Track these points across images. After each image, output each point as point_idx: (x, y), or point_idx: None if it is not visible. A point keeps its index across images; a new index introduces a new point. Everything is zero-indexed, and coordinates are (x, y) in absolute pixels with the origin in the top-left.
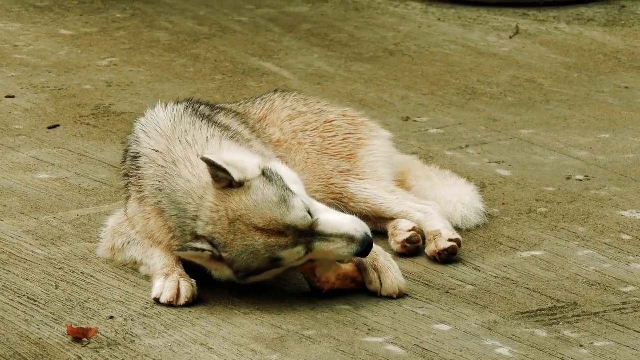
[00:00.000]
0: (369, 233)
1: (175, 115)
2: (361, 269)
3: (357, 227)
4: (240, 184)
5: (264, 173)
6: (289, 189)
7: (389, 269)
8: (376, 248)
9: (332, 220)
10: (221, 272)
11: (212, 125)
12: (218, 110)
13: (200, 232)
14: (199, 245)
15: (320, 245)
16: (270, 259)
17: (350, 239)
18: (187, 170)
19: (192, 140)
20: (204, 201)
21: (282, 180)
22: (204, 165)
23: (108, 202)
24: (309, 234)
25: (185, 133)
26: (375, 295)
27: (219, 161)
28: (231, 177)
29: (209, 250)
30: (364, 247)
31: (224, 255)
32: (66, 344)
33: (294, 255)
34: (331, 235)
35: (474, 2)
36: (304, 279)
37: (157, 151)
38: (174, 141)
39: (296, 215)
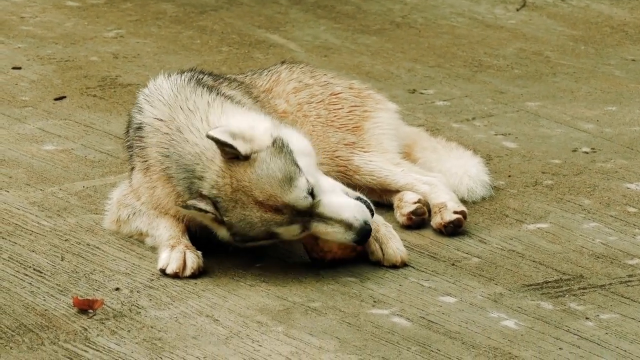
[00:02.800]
0: (369, 221)
1: (178, 84)
2: None
3: (357, 214)
4: (246, 157)
5: (274, 143)
6: (296, 164)
7: (390, 239)
8: (377, 218)
9: (334, 203)
10: (221, 233)
11: (214, 92)
12: (221, 81)
13: (205, 192)
14: (202, 205)
15: (318, 226)
16: (266, 232)
17: (348, 226)
18: (193, 135)
19: (193, 107)
20: (212, 164)
21: (292, 154)
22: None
23: (114, 173)
24: (308, 214)
25: (186, 100)
26: (379, 266)
27: (223, 137)
28: (237, 151)
29: (212, 213)
30: (361, 236)
31: (225, 219)
32: (72, 315)
33: (289, 232)
34: (330, 219)
35: None
36: (305, 251)
37: (161, 119)
38: (176, 109)
39: (297, 196)
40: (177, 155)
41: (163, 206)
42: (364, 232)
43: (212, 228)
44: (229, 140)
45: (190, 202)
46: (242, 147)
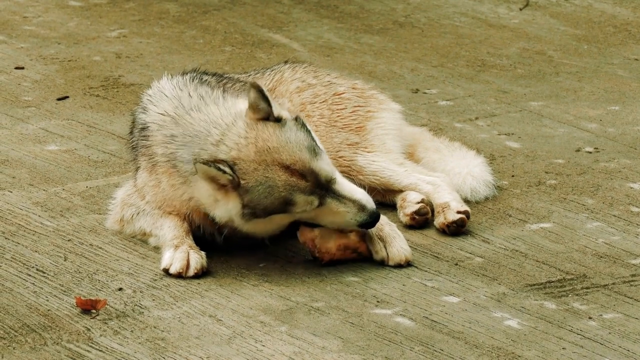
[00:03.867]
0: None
1: (181, 83)
2: (367, 239)
3: (368, 198)
4: (277, 119)
5: (296, 119)
6: (316, 142)
7: (394, 238)
8: (381, 218)
9: (348, 184)
10: (226, 206)
11: (220, 89)
12: (225, 82)
13: (222, 156)
14: (221, 165)
15: (331, 203)
16: (284, 199)
17: (361, 207)
18: (209, 106)
19: (204, 94)
20: (233, 127)
21: (311, 132)
22: (231, 103)
23: (117, 173)
24: (325, 188)
25: (195, 89)
26: (382, 265)
27: (266, 91)
28: (271, 109)
29: (230, 174)
30: (372, 218)
31: (242, 182)
32: (75, 315)
33: (306, 202)
34: (344, 197)
35: None
36: (307, 250)
37: (166, 114)
38: (183, 98)
39: (321, 165)
40: (185, 127)
41: (168, 199)
42: (375, 215)
43: (216, 201)
44: (269, 96)
45: (210, 161)
46: (276, 108)
